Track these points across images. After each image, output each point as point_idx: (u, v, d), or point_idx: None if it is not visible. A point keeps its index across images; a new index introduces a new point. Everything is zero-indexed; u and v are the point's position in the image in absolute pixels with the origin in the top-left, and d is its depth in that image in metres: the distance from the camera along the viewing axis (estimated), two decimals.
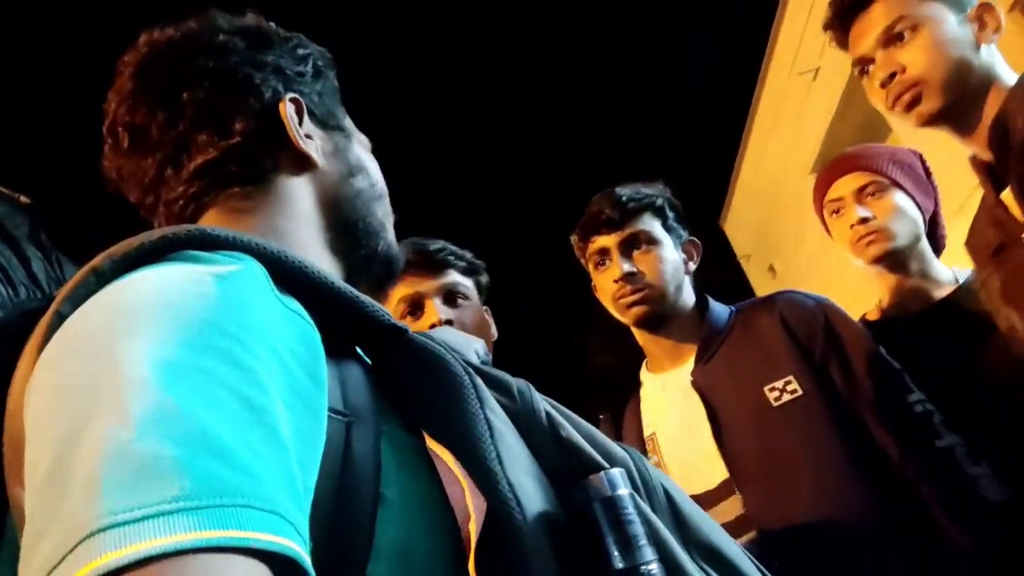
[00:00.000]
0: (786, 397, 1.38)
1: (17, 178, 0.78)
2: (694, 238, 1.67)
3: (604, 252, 1.58)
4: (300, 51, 0.81)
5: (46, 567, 0.33)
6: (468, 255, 1.54)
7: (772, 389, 1.40)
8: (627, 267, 1.53)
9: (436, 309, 1.42)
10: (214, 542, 0.34)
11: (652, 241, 1.57)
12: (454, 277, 1.48)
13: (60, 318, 0.49)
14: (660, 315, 1.56)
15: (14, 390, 0.49)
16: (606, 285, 1.58)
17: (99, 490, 0.34)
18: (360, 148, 0.84)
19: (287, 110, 0.75)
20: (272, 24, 0.81)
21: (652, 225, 1.58)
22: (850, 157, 1.72)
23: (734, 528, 1.36)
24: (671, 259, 1.57)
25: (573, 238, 1.67)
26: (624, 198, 1.57)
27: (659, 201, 1.61)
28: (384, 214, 0.83)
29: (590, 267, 1.64)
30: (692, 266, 1.63)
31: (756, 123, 9.70)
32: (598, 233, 1.58)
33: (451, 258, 1.50)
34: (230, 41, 0.75)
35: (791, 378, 1.40)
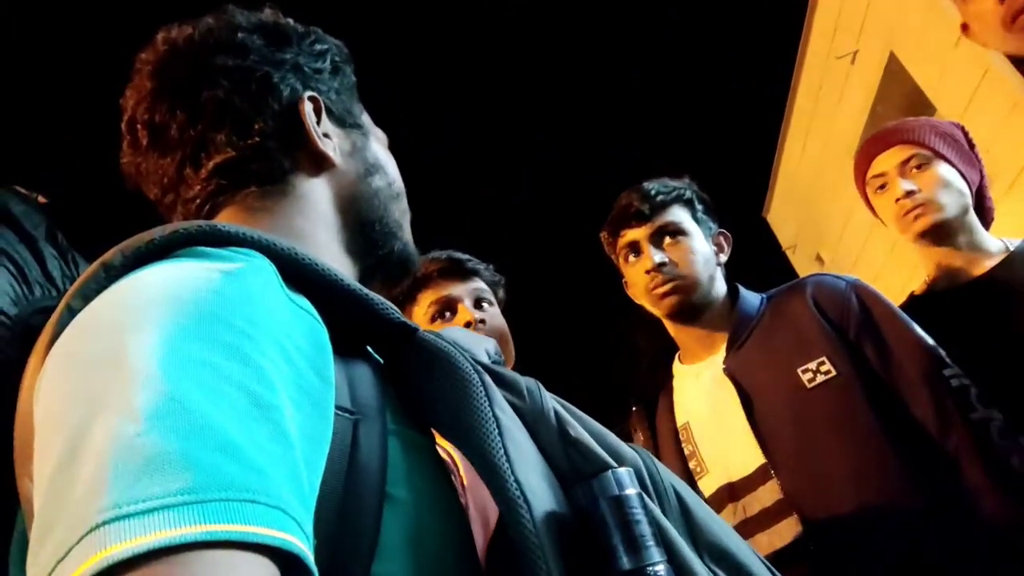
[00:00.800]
0: (820, 378, 1.39)
1: (34, 177, 0.79)
2: (724, 230, 1.69)
3: (634, 245, 1.61)
4: (318, 47, 0.82)
5: (53, 559, 0.34)
6: (491, 267, 1.66)
7: (806, 371, 1.40)
8: (659, 257, 1.55)
9: (469, 310, 1.52)
10: (218, 536, 0.34)
11: (682, 232, 1.59)
12: (481, 284, 1.60)
13: (71, 313, 0.50)
14: (693, 305, 1.57)
15: (25, 385, 0.50)
16: (637, 278, 1.60)
17: (105, 483, 0.35)
18: (378, 146, 0.85)
19: (305, 109, 0.75)
20: (290, 20, 0.81)
21: (682, 217, 1.61)
22: (890, 131, 1.70)
23: (773, 512, 1.37)
24: (702, 250, 1.59)
25: (603, 234, 1.70)
26: (653, 191, 1.61)
27: (687, 193, 1.64)
28: (401, 213, 0.83)
29: (620, 262, 1.67)
30: (723, 258, 1.66)
31: (795, 111, 9.53)
32: (628, 227, 1.62)
33: (479, 268, 1.62)
34: (248, 39, 0.76)
35: (824, 359, 1.40)
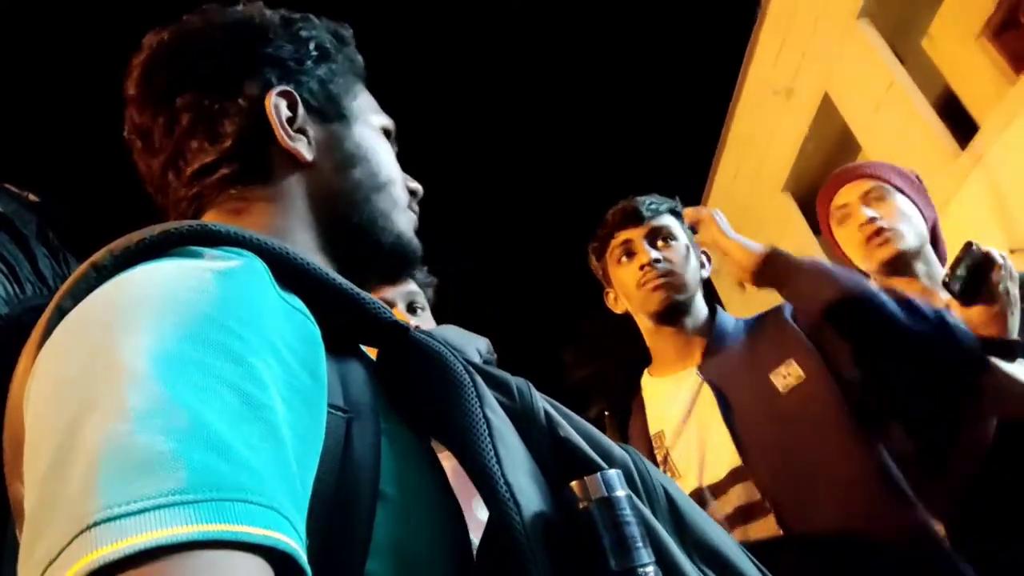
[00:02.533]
0: (791, 382, 1.43)
1: (25, 176, 0.78)
2: (705, 250, 1.74)
3: (628, 245, 1.66)
4: (303, 34, 0.78)
5: (45, 560, 0.33)
6: (424, 269, 1.61)
7: (777, 375, 1.45)
8: (654, 254, 1.60)
9: (403, 314, 1.48)
10: (211, 536, 0.34)
11: (674, 237, 1.65)
12: (415, 287, 1.56)
13: (61, 313, 0.49)
14: (680, 304, 1.61)
15: (15, 385, 0.50)
16: (629, 276, 1.64)
17: (97, 483, 0.34)
18: (365, 134, 0.80)
19: (273, 106, 0.72)
20: (270, 12, 0.78)
21: (674, 224, 1.68)
22: (852, 168, 1.83)
23: (745, 512, 1.41)
24: (691, 256, 1.66)
25: (592, 245, 1.75)
26: (646, 200, 1.68)
27: (678, 207, 1.72)
28: (389, 204, 0.79)
29: (611, 265, 1.70)
30: (705, 273, 1.71)
31: (729, 141, 9.78)
32: (623, 228, 1.66)
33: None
34: (223, 38, 0.75)
35: (791, 360, 1.45)
